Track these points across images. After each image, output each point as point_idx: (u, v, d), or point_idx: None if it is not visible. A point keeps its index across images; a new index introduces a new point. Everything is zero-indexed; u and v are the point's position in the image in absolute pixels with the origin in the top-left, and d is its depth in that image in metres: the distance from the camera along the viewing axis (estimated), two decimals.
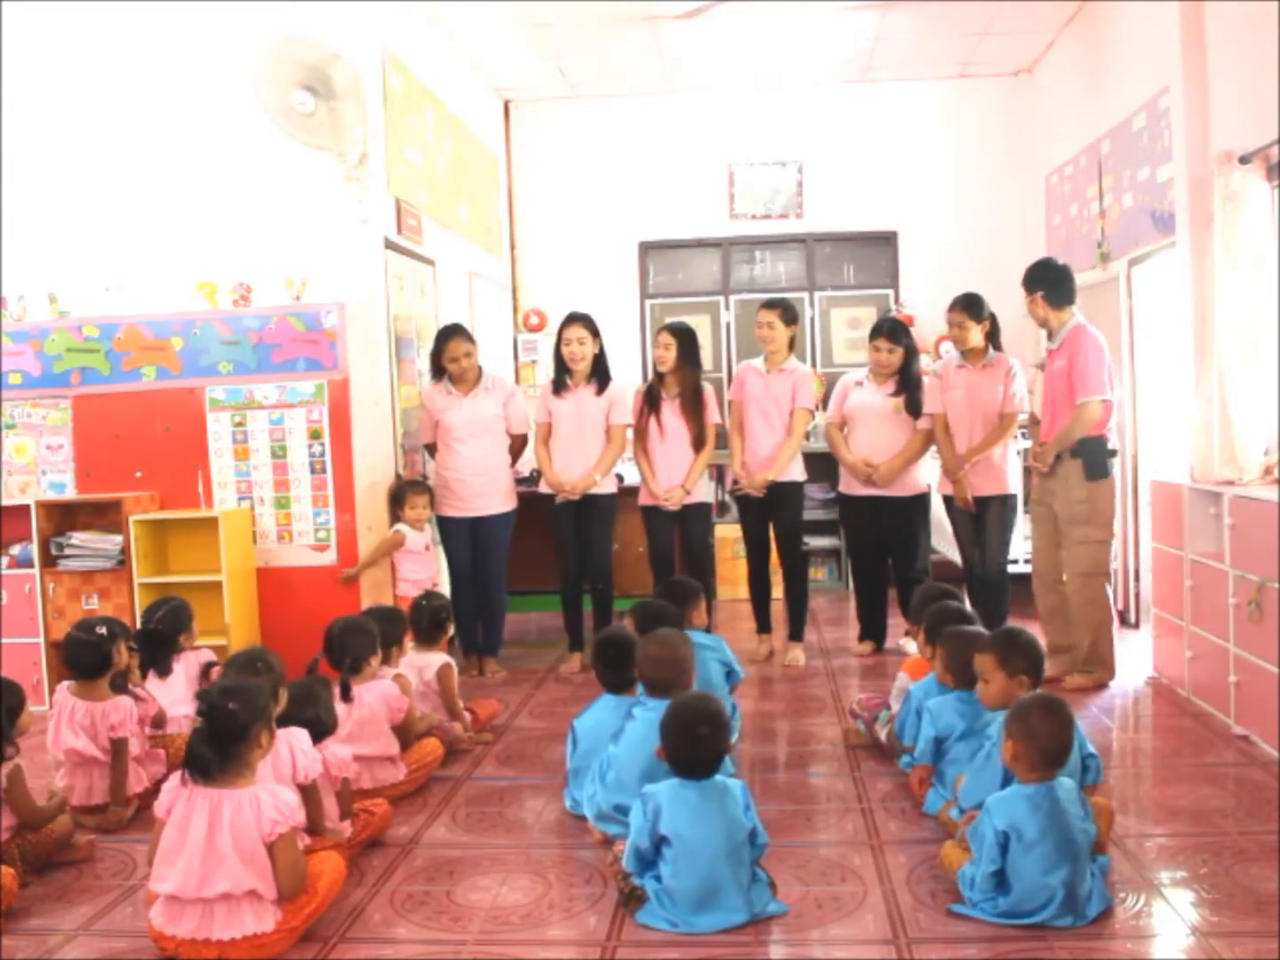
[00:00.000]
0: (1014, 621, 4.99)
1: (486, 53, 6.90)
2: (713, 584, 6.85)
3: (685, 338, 5.29)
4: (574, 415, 5.26)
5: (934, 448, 5.36)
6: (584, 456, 5.27)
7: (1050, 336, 4.76)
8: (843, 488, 5.48)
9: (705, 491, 5.47)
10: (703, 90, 7.71)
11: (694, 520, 5.36)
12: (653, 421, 5.30)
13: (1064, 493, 4.54)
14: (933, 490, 5.48)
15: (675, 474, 5.27)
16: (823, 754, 4.02)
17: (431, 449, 5.41)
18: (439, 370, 5.22)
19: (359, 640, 3.75)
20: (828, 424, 5.49)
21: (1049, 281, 4.60)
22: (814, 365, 7.61)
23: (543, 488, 5.36)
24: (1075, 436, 4.49)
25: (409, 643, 4.29)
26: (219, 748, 2.64)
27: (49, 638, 4.91)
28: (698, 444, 5.27)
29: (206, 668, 4.06)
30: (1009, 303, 5.53)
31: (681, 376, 5.30)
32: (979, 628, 3.67)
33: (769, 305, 5.32)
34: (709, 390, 5.36)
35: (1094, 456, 4.50)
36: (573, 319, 5.28)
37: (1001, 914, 2.65)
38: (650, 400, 5.35)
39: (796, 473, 5.32)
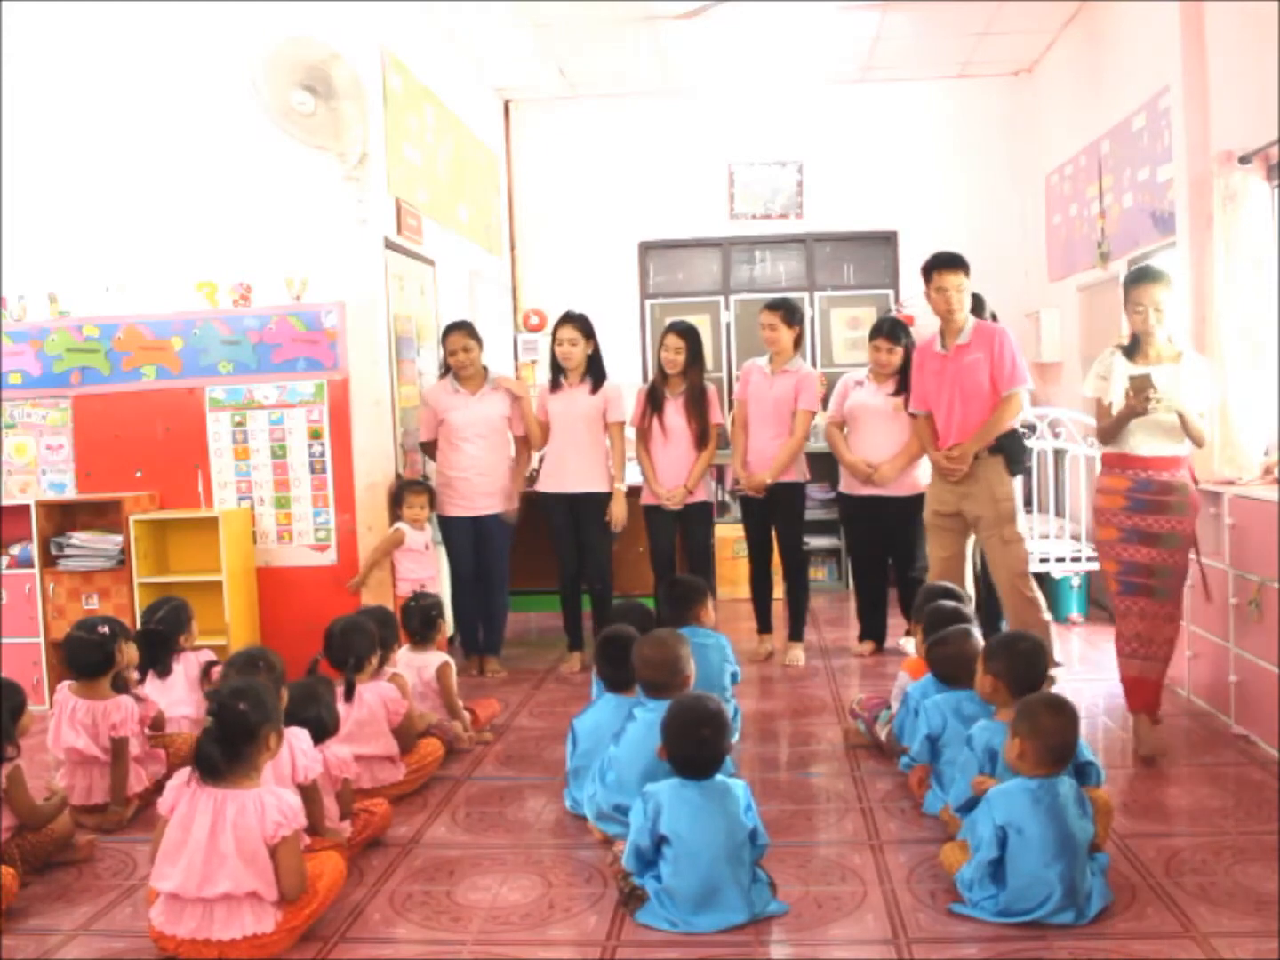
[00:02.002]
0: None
1: (486, 53, 6.90)
2: (713, 583, 6.85)
3: (692, 338, 5.29)
4: (567, 414, 5.27)
5: None
6: (580, 456, 5.27)
7: (952, 332, 4.60)
8: (843, 487, 5.48)
9: (707, 491, 5.47)
10: (703, 90, 7.71)
11: (695, 520, 5.36)
12: (655, 421, 5.30)
13: (985, 492, 4.45)
14: None
15: (678, 474, 5.27)
16: (823, 754, 4.02)
17: (427, 448, 5.41)
18: (449, 367, 5.24)
19: (360, 639, 3.75)
20: (828, 424, 5.49)
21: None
22: (814, 365, 7.61)
23: (544, 487, 5.35)
24: (1003, 428, 4.43)
25: (404, 643, 4.28)
26: (227, 748, 2.65)
27: (49, 638, 4.91)
28: (700, 444, 5.27)
29: (207, 667, 4.07)
30: (1009, 303, 5.51)
31: (687, 376, 5.30)
32: (971, 627, 3.68)
33: (771, 306, 5.31)
34: (712, 390, 5.36)
35: (1015, 451, 4.45)
36: (566, 319, 5.30)
37: (1001, 911, 2.65)
38: (653, 400, 5.35)
39: (798, 474, 5.32)
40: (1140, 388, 3.71)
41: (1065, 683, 4.55)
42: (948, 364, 4.56)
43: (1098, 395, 3.95)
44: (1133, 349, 3.91)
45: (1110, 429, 3.88)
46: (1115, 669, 4.70)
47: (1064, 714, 2.79)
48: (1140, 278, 3.90)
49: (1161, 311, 3.81)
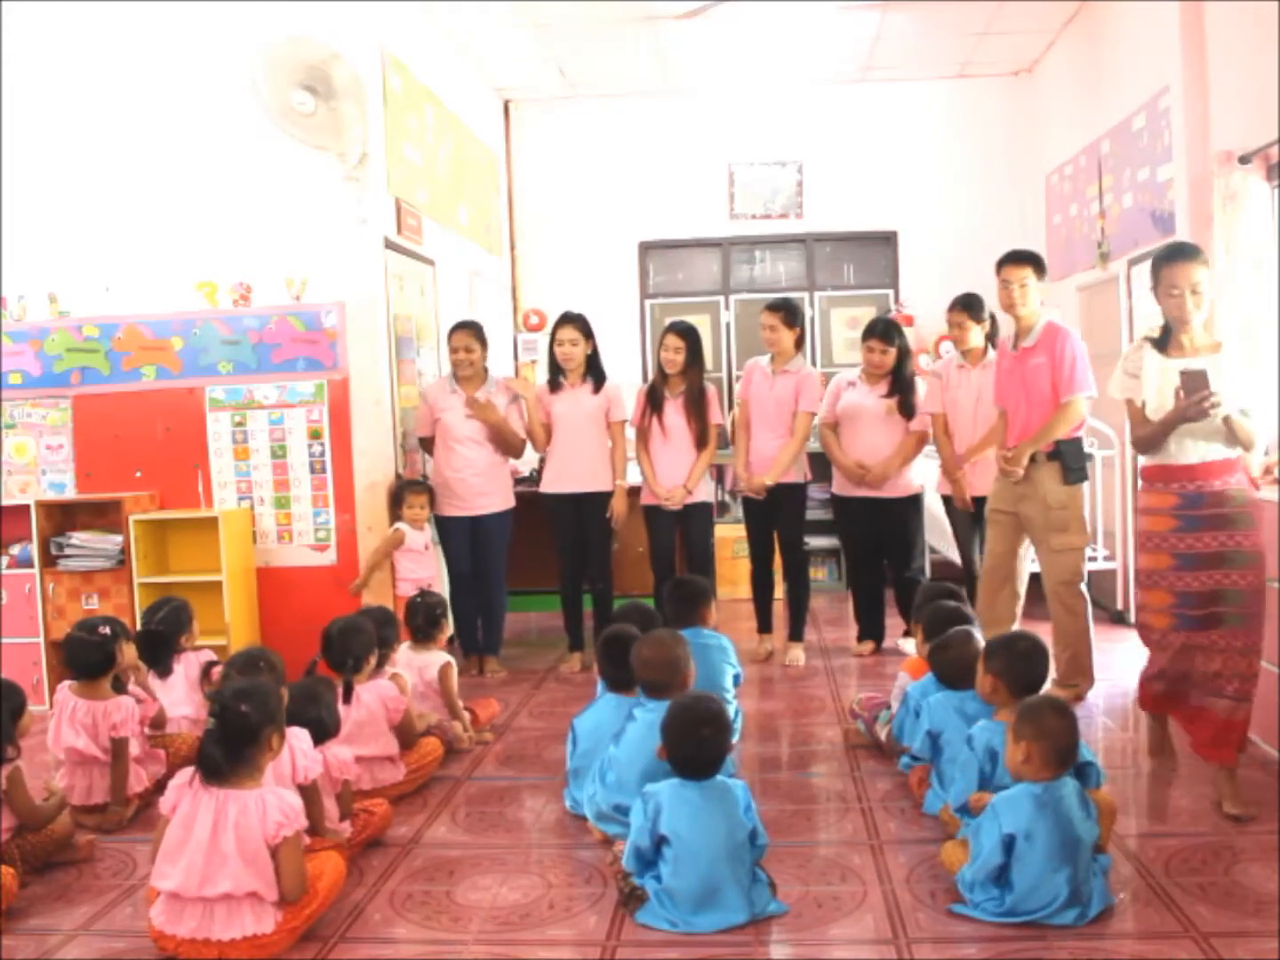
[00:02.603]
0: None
1: (486, 53, 6.90)
2: (713, 583, 6.84)
3: (692, 338, 5.28)
4: (571, 414, 5.27)
5: (931, 448, 5.34)
6: (585, 455, 5.27)
7: (1022, 332, 4.49)
8: (836, 489, 5.45)
9: (707, 491, 5.47)
10: (703, 90, 7.71)
11: (696, 520, 5.36)
12: (655, 421, 5.30)
13: (1039, 497, 4.36)
14: (927, 490, 5.47)
15: (677, 474, 5.26)
16: (823, 754, 4.02)
17: (425, 444, 5.41)
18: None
19: (358, 640, 3.74)
20: (821, 425, 5.44)
21: (1046, 274, 4.56)
22: (814, 365, 7.60)
23: (550, 488, 5.31)
24: (1057, 435, 4.32)
25: (404, 643, 4.28)
26: (230, 749, 2.65)
27: (49, 638, 4.91)
28: (700, 444, 5.27)
29: (207, 667, 4.07)
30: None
31: (686, 376, 5.29)
32: (973, 628, 3.68)
33: (772, 307, 5.29)
34: (712, 390, 5.36)
35: (1073, 459, 4.34)
36: (566, 320, 5.28)
37: (1005, 912, 2.65)
38: (653, 400, 5.34)
39: (797, 474, 5.31)
40: (1195, 386, 3.17)
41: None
42: (1016, 365, 4.46)
43: (1127, 397, 3.49)
44: (1164, 340, 3.43)
45: (1152, 436, 3.37)
46: (1116, 671, 4.75)
47: (1067, 715, 2.80)
48: (1175, 255, 3.40)
49: (1200, 294, 3.33)
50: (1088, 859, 2.67)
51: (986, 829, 2.72)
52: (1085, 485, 4.42)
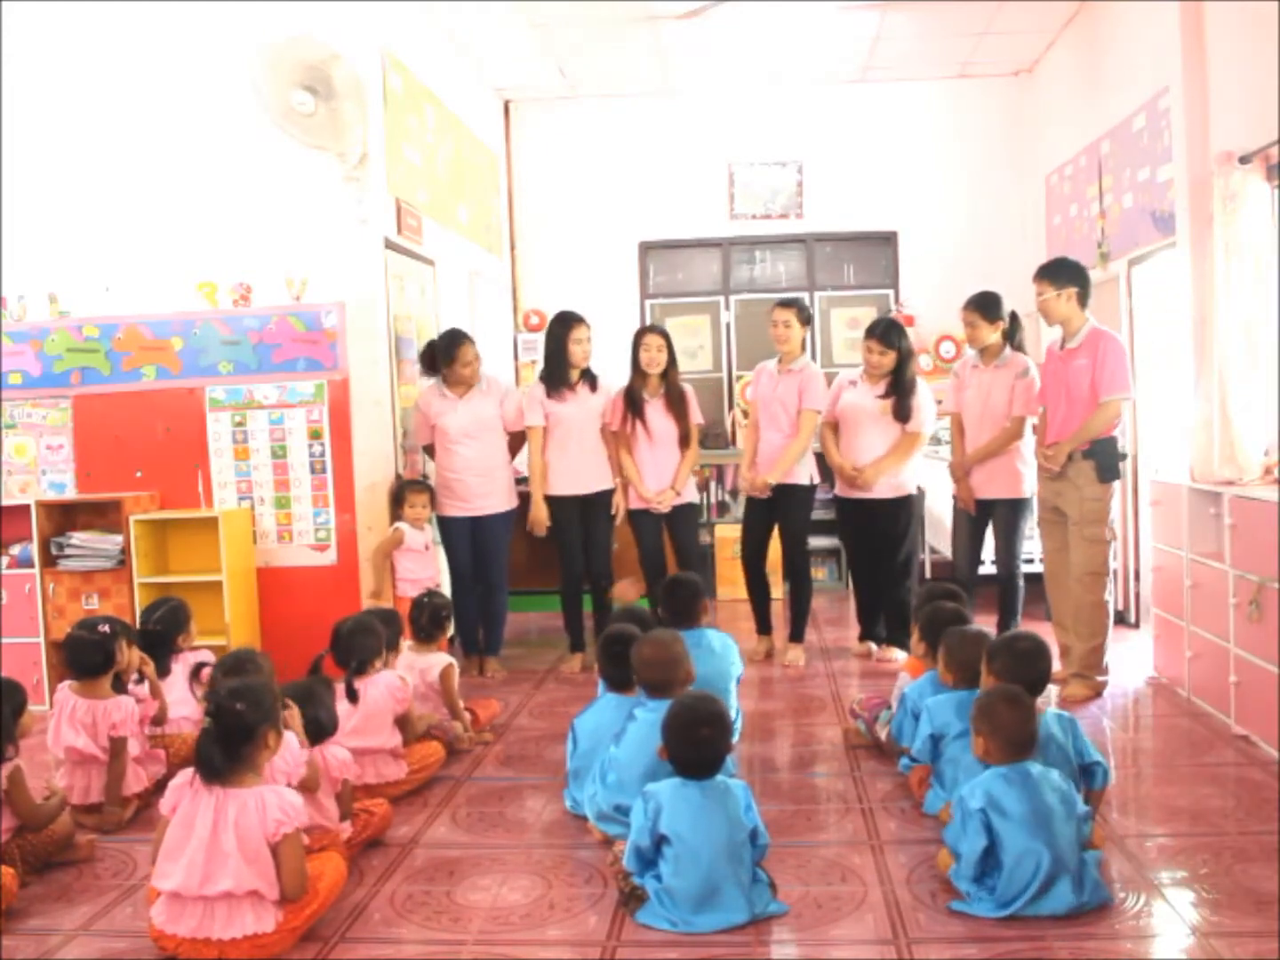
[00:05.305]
0: (1024, 624, 5.00)
1: (486, 53, 6.90)
2: (712, 583, 6.85)
3: (669, 339, 5.30)
4: (578, 415, 5.24)
5: (929, 450, 5.31)
6: (593, 456, 5.27)
7: (1068, 335, 4.62)
8: (837, 490, 5.44)
9: (692, 491, 5.45)
10: (703, 90, 7.72)
11: (682, 521, 5.35)
12: (638, 424, 5.27)
13: (1075, 493, 4.51)
14: (930, 492, 5.45)
15: (666, 475, 5.27)
16: (823, 754, 4.02)
17: (428, 450, 5.41)
18: (432, 367, 5.23)
19: (367, 640, 3.75)
20: (821, 424, 5.40)
21: (1083, 281, 4.63)
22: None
23: (558, 489, 5.26)
24: (1093, 434, 4.44)
25: (405, 643, 4.28)
26: (227, 749, 2.65)
27: (49, 637, 4.91)
28: (683, 444, 5.28)
29: (197, 669, 4.04)
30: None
31: (667, 377, 5.29)
32: (977, 627, 3.67)
33: (785, 304, 5.29)
34: (690, 390, 5.37)
35: (1107, 459, 4.47)
36: (580, 320, 5.26)
37: (1000, 898, 2.65)
38: (632, 402, 5.31)
39: (803, 475, 5.27)
40: None
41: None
42: (1061, 366, 4.62)
43: None
44: None
45: None
46: (1115, 670, 4.75)
47: (1020, 706, 2.82)
48: None
49: None
50: (1065, 832, 2.67)
51: (961, 812, 2.76)
52: (1115, 484, 4.56)
